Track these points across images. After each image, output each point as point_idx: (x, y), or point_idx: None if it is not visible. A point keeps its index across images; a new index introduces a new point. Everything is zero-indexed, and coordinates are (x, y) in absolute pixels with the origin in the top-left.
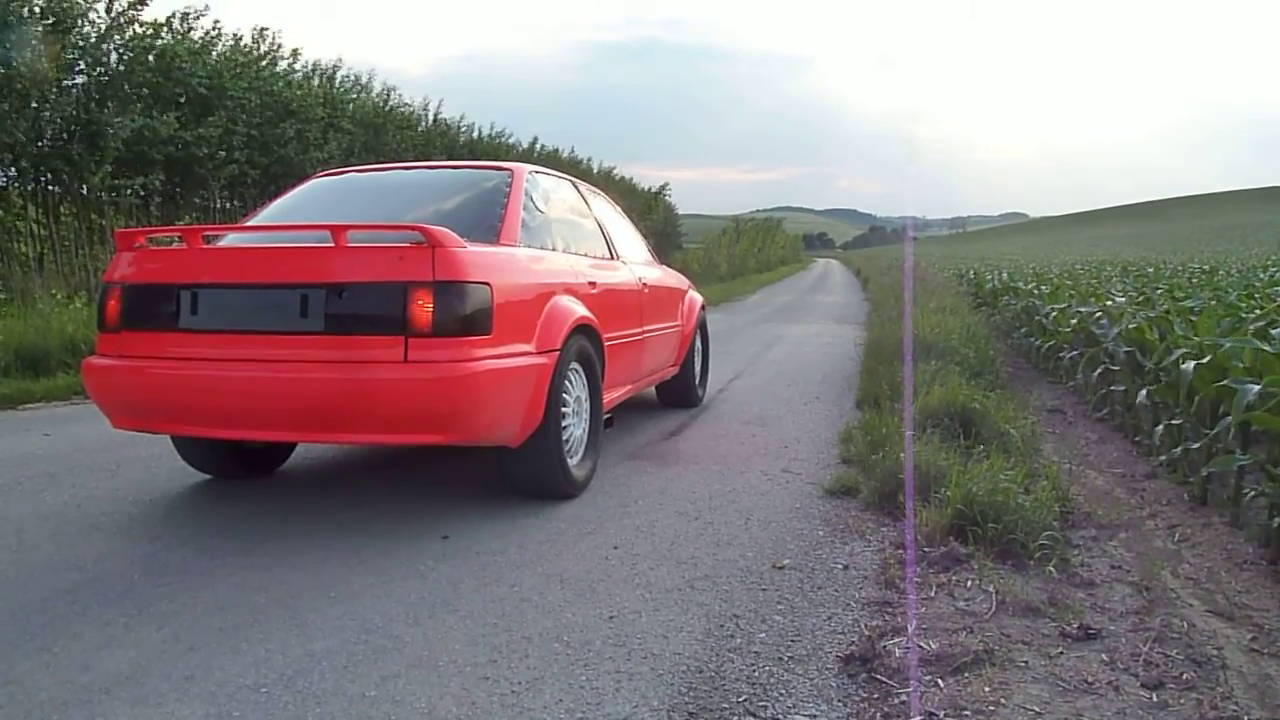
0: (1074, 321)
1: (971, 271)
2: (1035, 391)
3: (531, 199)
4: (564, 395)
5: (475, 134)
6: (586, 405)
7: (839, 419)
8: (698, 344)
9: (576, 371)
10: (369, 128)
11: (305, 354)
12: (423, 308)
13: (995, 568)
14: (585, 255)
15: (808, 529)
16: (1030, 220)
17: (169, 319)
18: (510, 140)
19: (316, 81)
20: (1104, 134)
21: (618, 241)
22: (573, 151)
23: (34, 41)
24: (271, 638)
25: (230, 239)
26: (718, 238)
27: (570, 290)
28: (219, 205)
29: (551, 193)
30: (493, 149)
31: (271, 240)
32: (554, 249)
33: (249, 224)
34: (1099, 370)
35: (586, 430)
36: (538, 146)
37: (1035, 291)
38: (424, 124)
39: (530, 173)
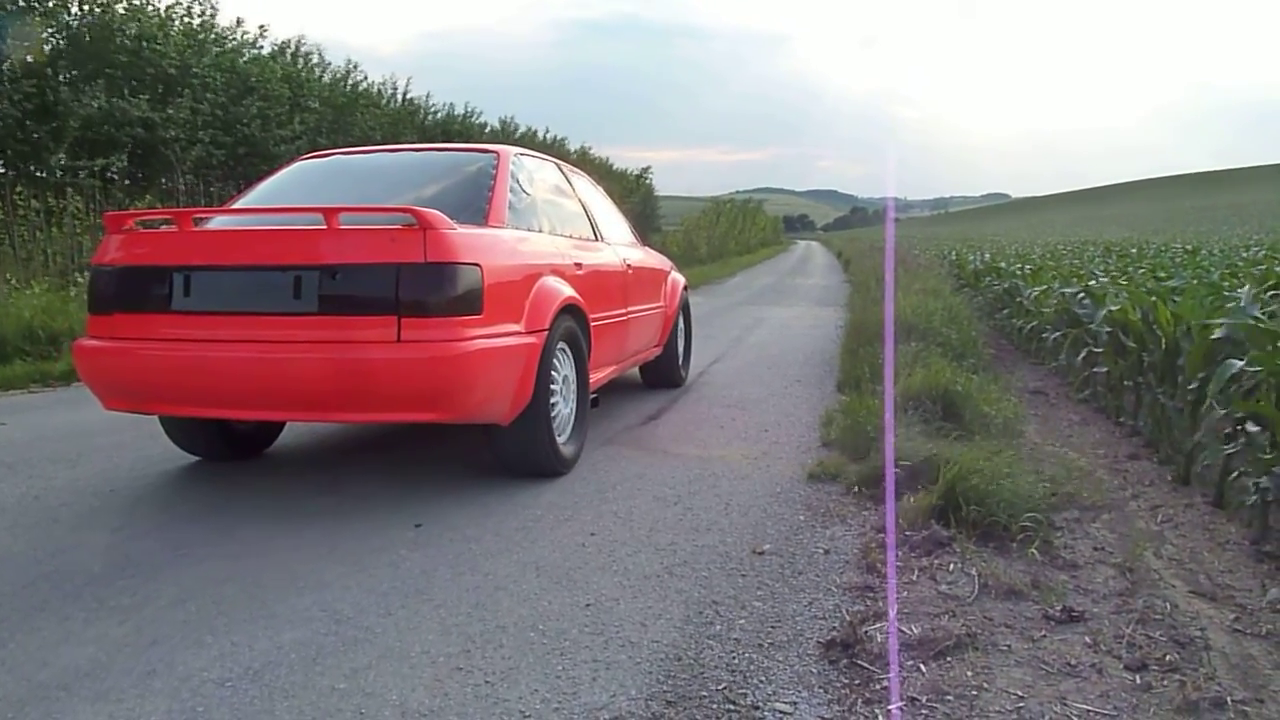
0: (1056, 302)
1: (954, 253)
2: (1018, 373)
3: (517, 180)
4: (552, 374)
5: (446, 114)
6: (574, 385)
7: (820, 402)
8: (680, 325)
9: (564, 351)
10: (335, 107)
11: (299, 334)
12: (415, 288)
13: (977, 550)
14: (570, 236)
15: (788, 513)
16: (1013, 201)
17: (162, 301)
18: (482, 120)
19: (267, 52)
20: (1088, 117)
21: (601, 222)
22: (548, 132)
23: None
24: (238, 630)
25: (222, 221)
26: (697, 220)
27: (557, 271)
28: (184, 187)
29: (536, 174)
30: (464, 129)
31: (263, 222)
32: (540, 230)
33: (240, 206)
34: (1082, 352)
35: (574, 409)
36: (511, 126)
37: (1017, 272)
38: (393, 103)
39: (515, 154)
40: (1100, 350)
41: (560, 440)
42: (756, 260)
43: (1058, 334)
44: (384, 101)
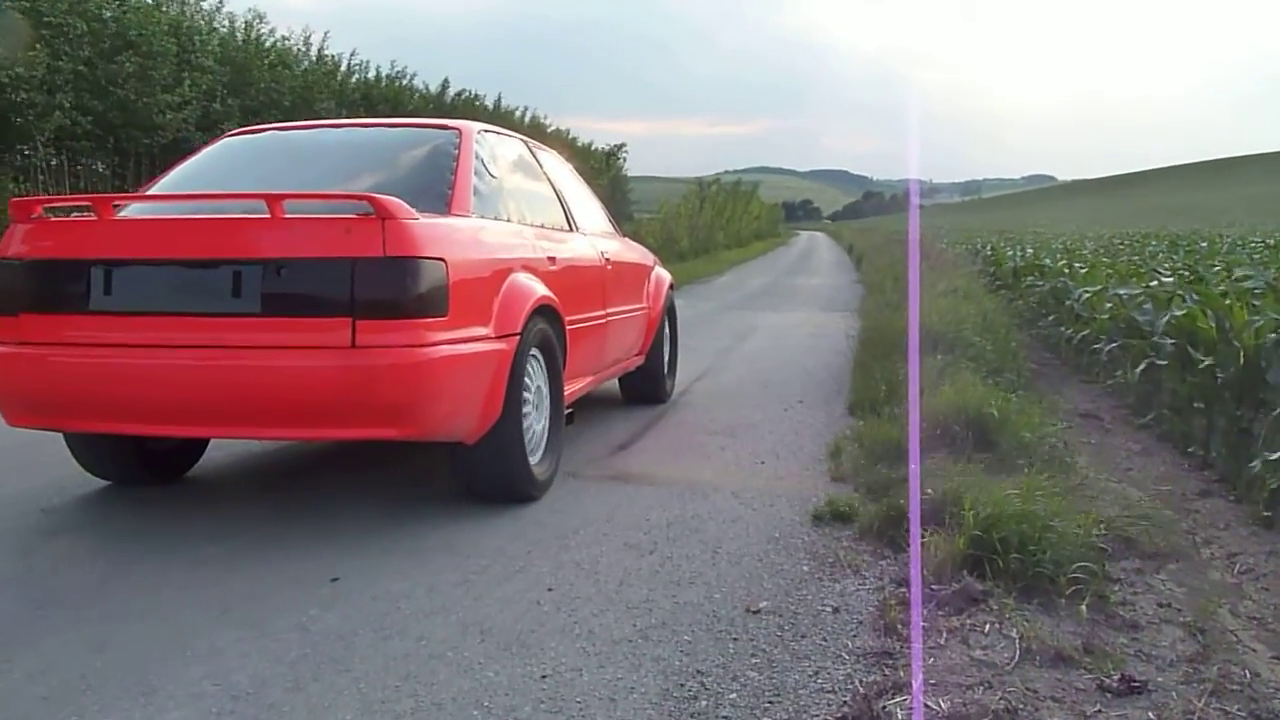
0: (1111, 306)
1: (988, 246)
2: (1066, 392)
3: (482, 161)
4: (525, 384)
5: (370, 75)
6: (547, 397)
7: (827, 428)
8: (666, 330)
9: (536, 359)
10: (234, 66)
11: (239, 338)
12: (373, 286)
13: (1019, 608)
14: (541, 225)
15: (789, 564)
16: (1059, 185)
17: (78, 300)
18: (414, 83)
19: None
20: (1147, 85)
21: (575, 208)
22: (500, 100)
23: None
24: (110, 709)
25: (146, 209)
26: (677, 206)
27: (528, 266)
28: (44, 163)
29: (502, 153)
30: (393, 93)
31: (197, 210)
32: (508, 218)
33: (163, 192)
34: (1142, 366)
35: (547, 425)
36: (450, 91)
37: (1065, 271)
38: (305, 61)
39: (479, 131)
40: (1165, 364)
41: (533, 460)
42: (749, 255)
43: (1114, 345)
44: (294, 60)
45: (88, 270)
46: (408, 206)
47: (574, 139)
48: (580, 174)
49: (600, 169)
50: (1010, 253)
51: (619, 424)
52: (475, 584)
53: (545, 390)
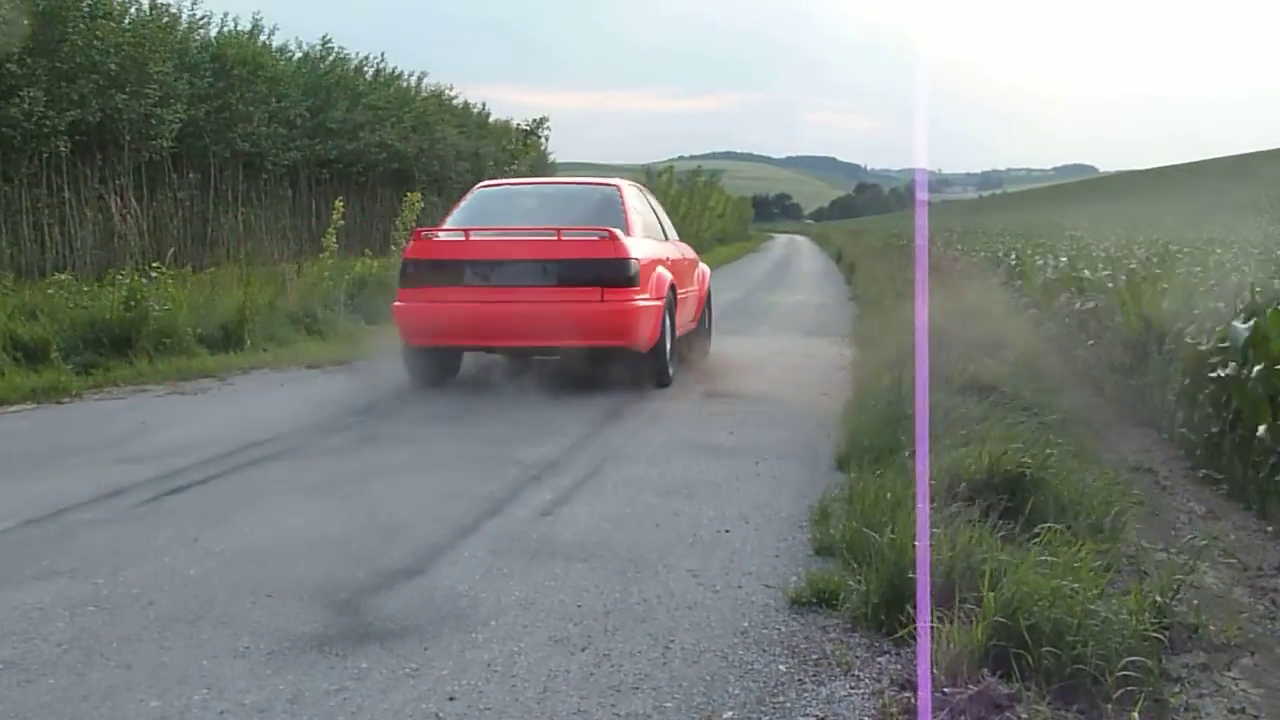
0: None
1: (1013, 254)
2: (1112, 438)
3: (634, 205)
4: (665, 324)
5: (221, 30)
6: (671, 333)
7: (810, 486)
8: (706, 309)
9: (668, 312)
10: (42, 17)
11: (546, 297)
12: (610, 273)
13: (1055, 716)
14: (657, 240)
15: (761, 662)
16: (1100, 177)
17: (457, 279)
18: (276, 42)
19: None
20: (1216, 84)
21: (666, 226)
22: (384, 61)
23: None
24: None
25: (484, 234)
26: None
27: (661, 263)
28: None
29: (637, 195)
30: (249, 55)
31: (517, 235)
32: (647, 235)
33: (486, 225)
34: (1205, 404)
35: (670, 347)
36: (329, 51)
37: (1110, 285)
38: (133, 12)
39: (627, 185)
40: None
41: (668, 362)
42: (712, 264)
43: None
44: (119, 10)
45: (464, 266)
46: (622, 232)
47: (487, 114)
48: (495, 158)
49: (517, 151)
50: (1041, 262)
51: (547, 478)
52: (353, 693)
53: (670, 328)
